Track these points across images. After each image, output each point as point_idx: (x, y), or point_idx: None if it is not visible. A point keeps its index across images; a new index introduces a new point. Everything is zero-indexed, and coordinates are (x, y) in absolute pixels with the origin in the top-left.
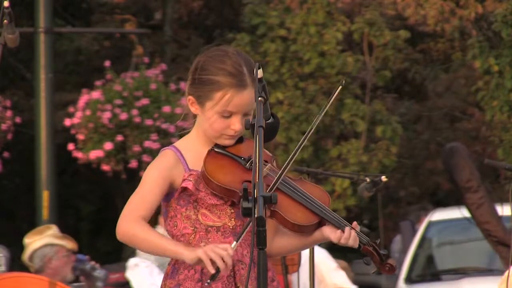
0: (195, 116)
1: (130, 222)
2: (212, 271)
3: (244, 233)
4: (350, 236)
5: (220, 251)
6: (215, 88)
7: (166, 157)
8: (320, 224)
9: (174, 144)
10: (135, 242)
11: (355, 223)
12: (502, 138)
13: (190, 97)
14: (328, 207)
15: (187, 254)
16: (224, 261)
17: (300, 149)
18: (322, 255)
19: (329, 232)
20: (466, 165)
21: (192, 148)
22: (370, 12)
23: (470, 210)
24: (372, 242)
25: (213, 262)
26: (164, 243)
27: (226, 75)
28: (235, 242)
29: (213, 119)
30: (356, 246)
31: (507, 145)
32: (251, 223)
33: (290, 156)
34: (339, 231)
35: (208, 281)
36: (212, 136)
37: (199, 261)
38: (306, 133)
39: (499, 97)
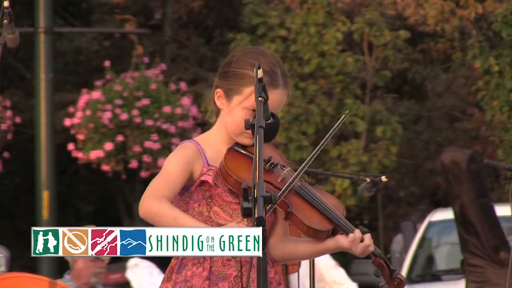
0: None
1: (154, 200)
2: None
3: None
4: (363, 240)
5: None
6: (246, 83)
7: (188, 148)
8: (334, 232)
9: (195, 139)
10: (159, 218)
11: (368, 234)
12: (502, 138)
13: (218, 90)
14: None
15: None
16: None
17: (313, 157)
18: None
19: (343, 239)
20: (481, 170)
21: (212, 145)
22: (370, 12)
23: (479, 215)
24: (383, 255)
25: None
26: (190, 221)
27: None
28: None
29: (238, 114)
30: (369, 252)
31: (507, 145)
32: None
33: (304, 163)
34: (351, 234)
35: None
36: (233, 133)
37: None
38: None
39: (499, 97)
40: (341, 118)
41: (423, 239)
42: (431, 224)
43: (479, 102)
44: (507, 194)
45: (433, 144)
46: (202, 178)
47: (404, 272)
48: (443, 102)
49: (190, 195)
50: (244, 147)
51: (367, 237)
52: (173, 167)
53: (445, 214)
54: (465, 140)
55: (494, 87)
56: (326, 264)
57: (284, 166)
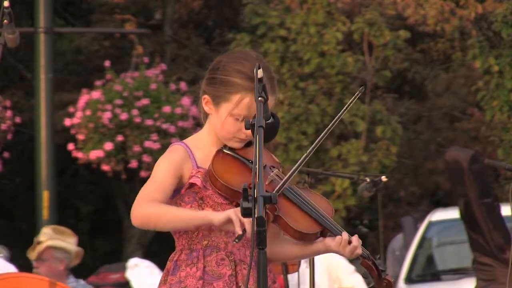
0: (206, 115)
1: (146, 204)
2: (240, 231)
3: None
4: (351, 242)
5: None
6: (233, 91)
7: (176, 151)
8: (323, 234)
9: (184, 141)
10: (157, 220)
11: (356, 235)
12: (502, 138)
13: (205, 96)
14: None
15: (216, 215)
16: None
17: (307, 157)
18: (339, 257)
19: (331, 241)
20: (485, 170)
21: (202, 147)
22: (370, 12)
23: (483, 215)
24: (371, 257)
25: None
26: (189, 211)
27: (245, 79)
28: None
29: (226, 121)
30: (357, 254)
31: (507, 145)
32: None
33: (297, 163)
34: (338, 237)
35: (236, 240)
36: (222, 138)
37: (228, 221)
38: (320, 137)
39: (499, 97)
40: (354, 96)
41: (423, 239)
42: (431, 224)
43: (479, 102)
44: (507, 194)
45: (433, 144)
46: (191, 180)
47: (404, 272)
48: (443, 102)
49: (181, 197)
50: (233, 149)
51: (355, 239)
52: (162, 171)
53: (445, 214)
54: (465, 140)
55: (494, 87)
56: (344, 269)
57: (272, 167)
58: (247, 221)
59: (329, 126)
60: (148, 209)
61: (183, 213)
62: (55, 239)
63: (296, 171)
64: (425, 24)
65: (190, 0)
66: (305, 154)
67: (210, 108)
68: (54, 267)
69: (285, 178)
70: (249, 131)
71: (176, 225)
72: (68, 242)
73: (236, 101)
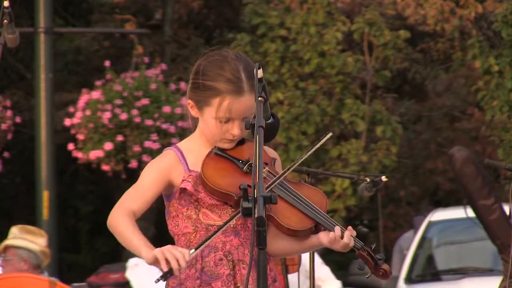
0: (195, 118)
1: (118, 213)
2: (165, 269)
3: (210, 240)
4: (343, 237)
5: (177, 253)
6: (213, 94)
7: (166, 157)
8: (317, 228)
9: (177, 145)
10: (115, 233)
11: (350, 227)
12: (502, 138)
13: (189, 101)
14: (324, 211)
15: (145, 251)
16: (178, 263)
17: (299, 162)
18: None
19: (324, 237)
20: (480, 172)
21: (195, 149)
22: (370, 12)
23: (481, 216)
24: (366, 247)
25: (168, 262)
26: (134, 240)
27: (224, 82)
28: (193, 250)
29: (212, 124)
30: (350, 248)
31: (507, 145)
32: (220, 230)
33: (290, 165)
34: (331, 233)
35: (158, 278)
36: (211, 140)
37: (156, 260)
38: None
39: (499, 97)
40: (325, 136)
41: (423, 239)
42: (431, 224)
43: (479, 102)
44: (507, 194)
45: (433, 144)
46: (182, 185)
47: (404, 272)
48: (443, 102)
49: (177, 200)
50: (224, 150)
51: (346, 235)
52: (148, 178)
53: (445, 214)
54: (465, 140)
55: (494, 87)
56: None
57: (265, 164)
58: (172, 259)
59: (300, 157)
60: (117, 219)
61: (129, 238)
62: (17, 239)
63: (283, 177)
64: (425, 24)
65: (190, 0)
66: (286, 169)
67: (195, 112)
68: (17, 266)
69: (273, 180)
70: (235, 132)
71: (125, 246)
72: (33, 241)
73: (217, 104)
